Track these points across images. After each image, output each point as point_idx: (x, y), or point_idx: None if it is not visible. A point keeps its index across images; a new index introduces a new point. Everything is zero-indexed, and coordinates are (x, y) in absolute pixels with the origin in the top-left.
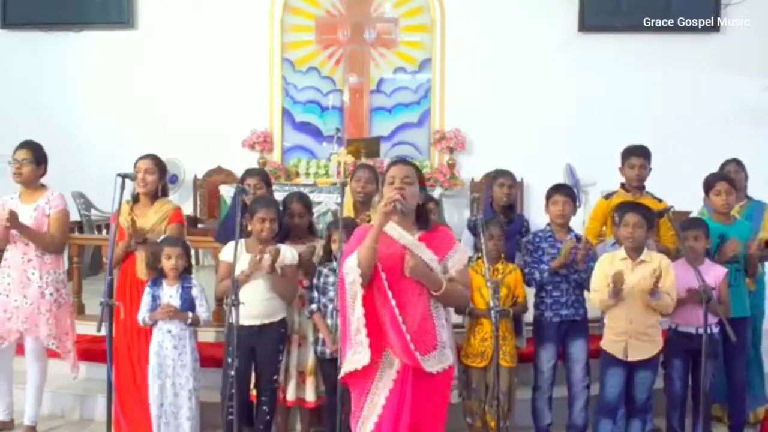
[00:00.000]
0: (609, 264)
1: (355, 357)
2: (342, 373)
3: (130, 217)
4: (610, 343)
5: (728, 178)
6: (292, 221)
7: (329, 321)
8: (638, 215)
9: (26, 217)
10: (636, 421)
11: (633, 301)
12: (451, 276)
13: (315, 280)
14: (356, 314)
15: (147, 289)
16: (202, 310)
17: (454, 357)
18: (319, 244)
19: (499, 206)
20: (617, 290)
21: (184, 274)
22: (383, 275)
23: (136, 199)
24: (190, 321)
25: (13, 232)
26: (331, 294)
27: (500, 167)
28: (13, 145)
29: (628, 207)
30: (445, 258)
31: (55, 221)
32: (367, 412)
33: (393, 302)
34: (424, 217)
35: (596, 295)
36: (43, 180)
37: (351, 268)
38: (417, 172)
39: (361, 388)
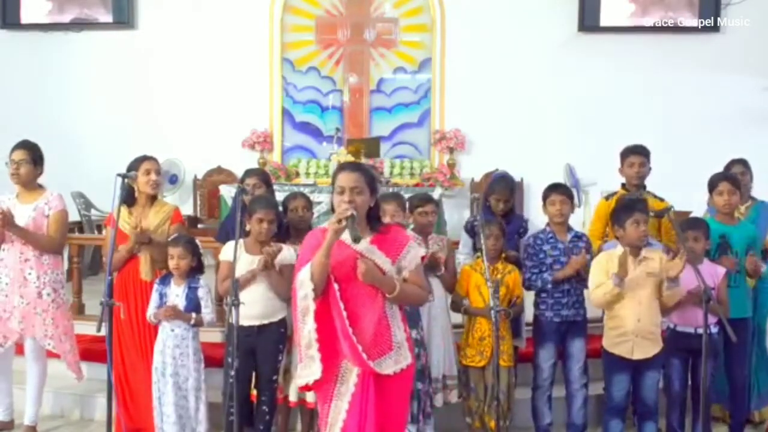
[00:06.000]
0: (608, 261)
1: (305, 371)
2: (297, 385)
3: (138, 220)
4: (614, 344)
5: (732, 178)
6: (295, 215)
7: None
8: (645, 214)
9: (24, 217)
10: (650, 424)
11: (640, 299)
12: (404, 276)
13: None
14: (307, 328)
15: (155, 287)
16: (207, 312)
17: (455, 356)
18: None
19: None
20: (624, 274)
21: (194, 274)
22: (336, 285)
23: (130, 201)
24: (193, 322)
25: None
26: None
27: (501, 171)
28: (13, 145)
29: (634, 207)
30: (398, 259)
31: (54, 222)
32: (332, 419)
33: (344, 313)
34: (374, 218)
35: (599, 289)
36: (43, 180)
37: (303, 283)
38: (366, 176)
39: (324, 396)
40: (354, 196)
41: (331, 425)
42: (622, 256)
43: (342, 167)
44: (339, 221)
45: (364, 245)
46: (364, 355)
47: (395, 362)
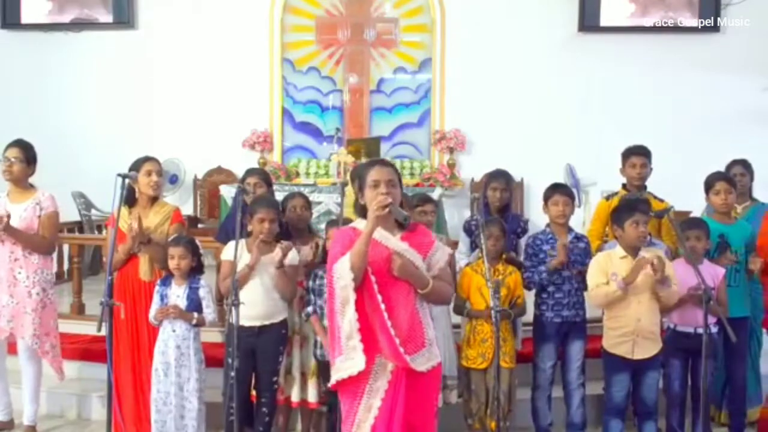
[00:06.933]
0: (606, 261)
1: (347, 363)
2: (333, 380)
3: (137, 217)
4: (614, 344)
5: (728, 177)
6: (294, 214)
7: (326, 323)
8: (646, 215)
9: (15, 217)
10: (650, 423)
11: (640, 298)
12: (434, 274)
13: (310, 283)
14: (347, 319)
15: (156, 288)
16: (209, 312)
17: (455, 357)
18: (321, 242)
19: (494, 208)
20: (632, 280)
21: (194, 274)
22: (373, 278)
23: (131, 202)
24: (194, 322)
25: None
26: None
27: (499, 167)
28: (7, 143)
29: (635, 207)
30: (428, 256)
31: (47, 222)
32: (362, 416)
33: (382, 306)
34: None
35: (600, 289)
36: (43, 179)
37: (343, 273)
38: (396, 171)
39: (353, 393)
40: (390, 188)
41: (360, 422)
42: (638, 264)
43: (371, 163)
44: (378, 209)
45: (398, 243)
46: (402, 349)
47: (427, 359)
